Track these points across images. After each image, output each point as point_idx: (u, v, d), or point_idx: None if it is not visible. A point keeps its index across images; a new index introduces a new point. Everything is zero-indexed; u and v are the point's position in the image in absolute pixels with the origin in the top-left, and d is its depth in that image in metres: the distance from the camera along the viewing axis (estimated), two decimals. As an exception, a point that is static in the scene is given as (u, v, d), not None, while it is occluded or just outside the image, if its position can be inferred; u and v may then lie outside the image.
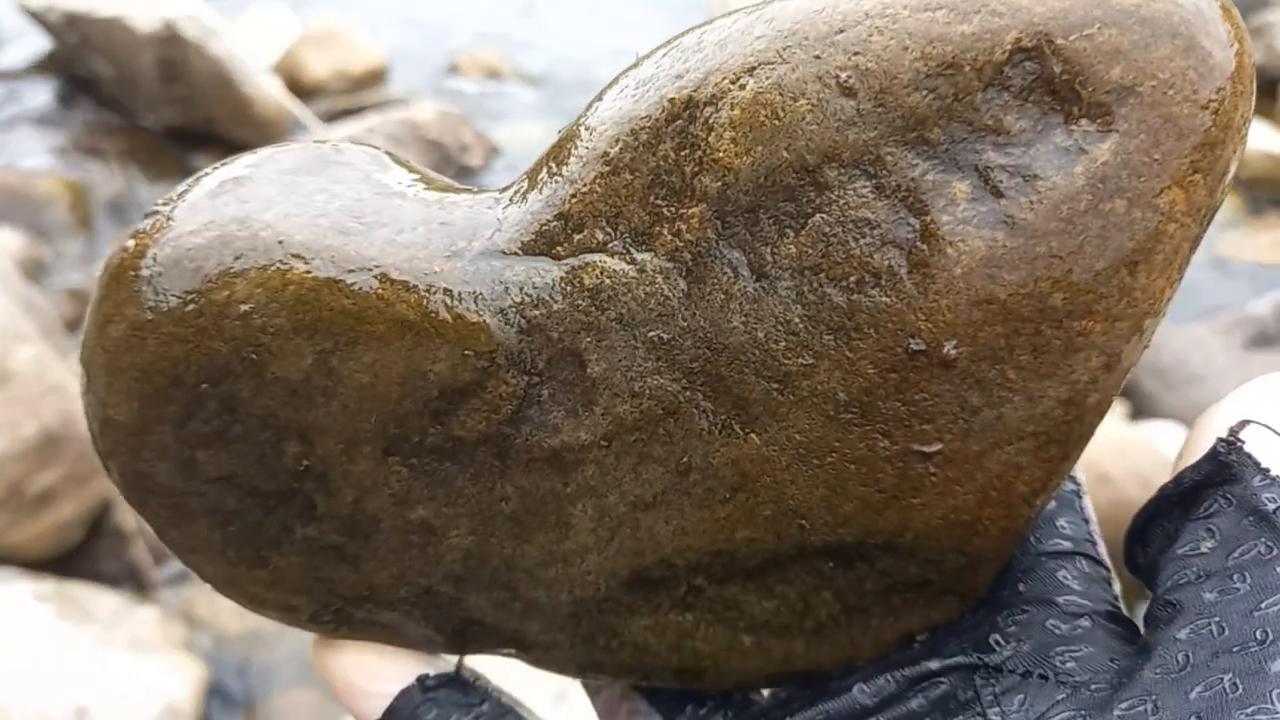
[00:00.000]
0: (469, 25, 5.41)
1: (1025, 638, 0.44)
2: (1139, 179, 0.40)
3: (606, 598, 0.46)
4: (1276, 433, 0.42)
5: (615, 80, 0.46)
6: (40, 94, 4.41)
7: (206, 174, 0.46)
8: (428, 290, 0.44)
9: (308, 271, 0.43)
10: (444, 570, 0.47)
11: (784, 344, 0.42)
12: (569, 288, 0.43)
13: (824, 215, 0.41)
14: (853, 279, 0.41)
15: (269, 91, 4.15)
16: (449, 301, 0.44)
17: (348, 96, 4.64)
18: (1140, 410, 2.99)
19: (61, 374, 2.45)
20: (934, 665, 0.44)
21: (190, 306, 0.43)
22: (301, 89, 4.53)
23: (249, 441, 0.45)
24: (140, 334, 0.44)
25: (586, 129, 0.45)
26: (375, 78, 4.83)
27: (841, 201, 0.41)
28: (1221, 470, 0.42)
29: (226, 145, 4.08)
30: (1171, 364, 3.05)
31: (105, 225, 3.72)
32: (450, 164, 4.22)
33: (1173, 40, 0.39)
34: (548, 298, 0.44)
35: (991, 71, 0.40)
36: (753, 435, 0.43)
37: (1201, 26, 0.40)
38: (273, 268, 0.43)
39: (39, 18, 4.34)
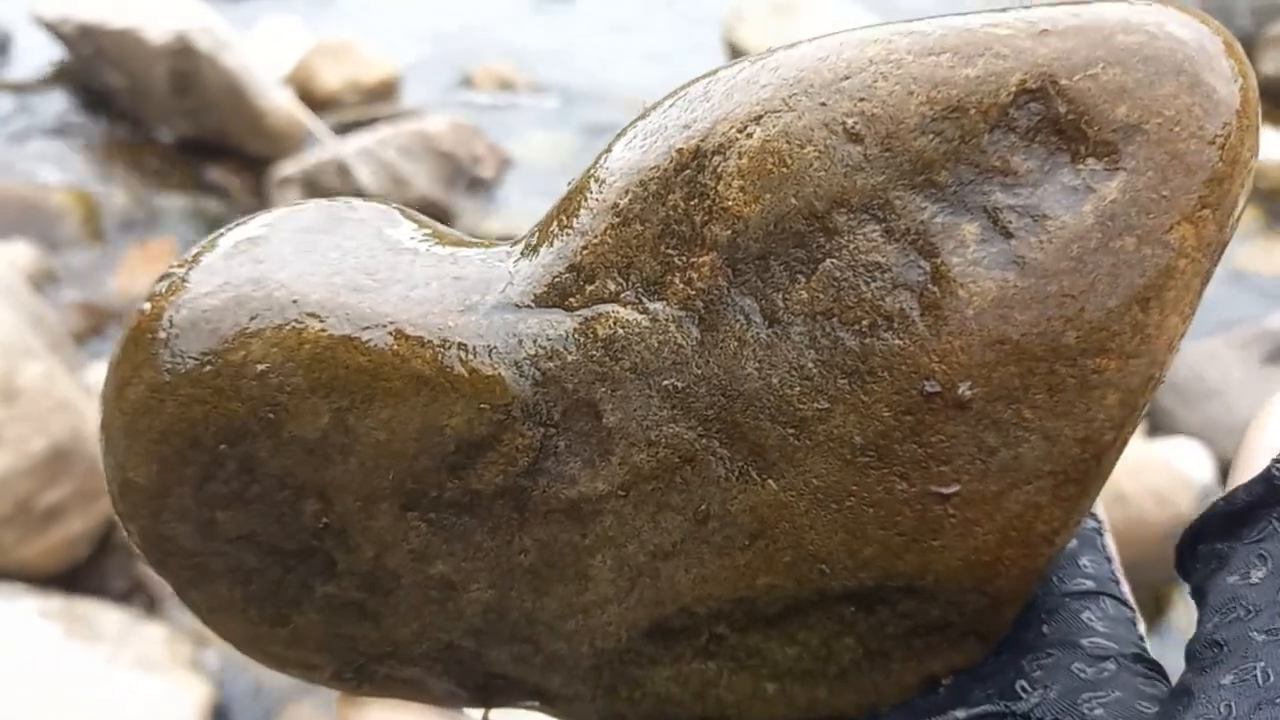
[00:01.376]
0: (482, 37, 5.42)
1: (1051, 683, 0.43)
2: (1148, 216, 0.40)
3: (628, 649, 0.47)
4: None
5: (623, 131, 0.46)
6: (53, 106, 4.43)
7: (222, 234, 0.47)
8: (442, 345, 0.44)
9: (323, 330, 0.44)
10: (465, 625, 0.47)
11: (798, 389, 0.42)
12: (583, 339, 0.44)
13: (834, 260, 0.41)
14: (865, 323, 0.42)
15: (281, 103, 4.15)
16: (464, 356, 0.44)
17: (360, 108, 4.65)
18: (1157, 427, 2.96)
19: (70, 389, 2.45)
20: (960, 715, 0.44)
21: (207, 368, 0.43)
22: (314, 101, 4.53)
23: (268, 501, 0.45)
24: (158, 396, 0.44)
25: (596, 180, 0.45)
26: (388, 89, 4.83)
27: (851, 246, 0.41)
28: (1275, 493, 0.42)
29: (239, 157, 4.09)
30: (1189, 379, 3.02)
31: (117, 238, 3.73)
32: (462, 176, 4.22)
33: (1177, 77, 0.40)
34: (562, 349, 0.44)
35: (997, 114, 0.41)
36: (770, 481, 0.43)
37: (1205, 63, 0.40)
38: (288, 327, 0.44)
39: (53, 29, 4.36)
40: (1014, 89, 0.40)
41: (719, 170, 0.42)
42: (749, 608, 0.45)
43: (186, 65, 4.01)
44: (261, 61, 4.36)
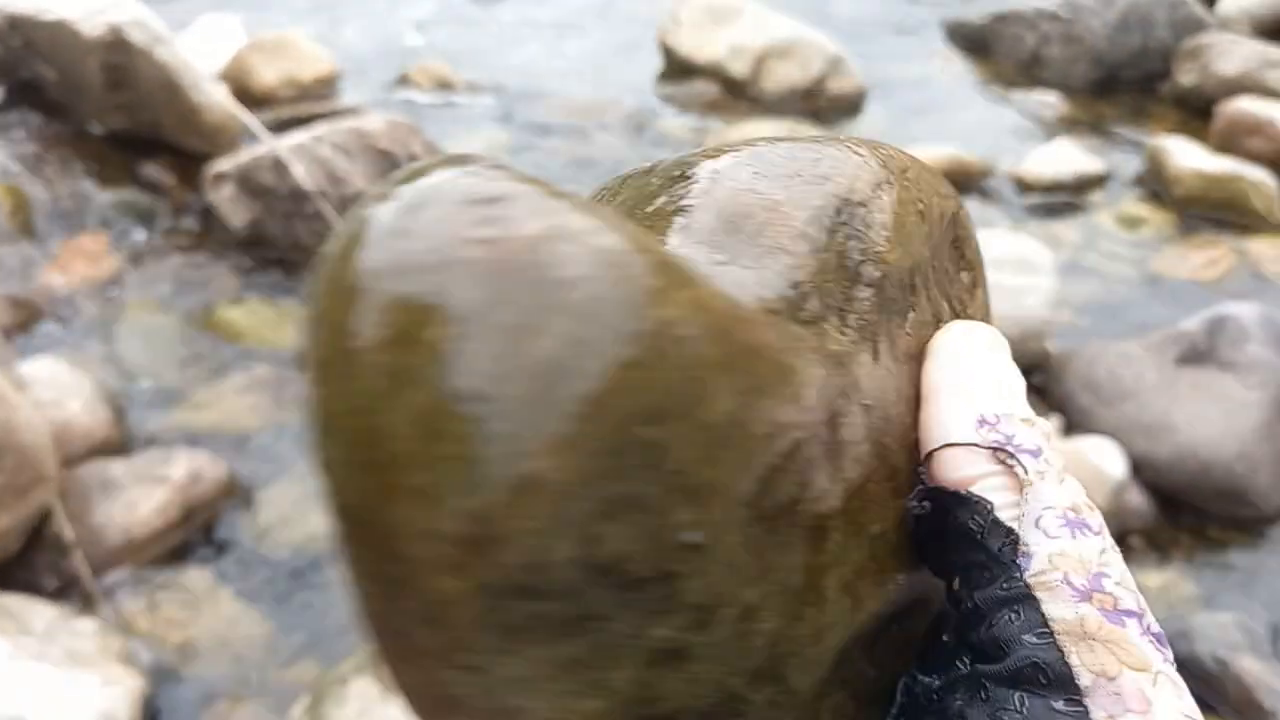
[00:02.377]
0: (420, 36, 5.42)
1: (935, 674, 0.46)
2: (990, 309, 0.57)
3: (827, 678, 0.43)
4: None
5: (717, 157, 0.46)
6: (-18, 98, 4.36)
7: (461, 174, 0.34)
8: (809, 332, 0.41)
9: (718, 297, 0.37)
10: (749, 664, 0.39)
11: (910, 419, 0.47)
12: (822, 353, 0.43)
13: (914, 314, 0.49)
14: None
15: (217, 99, 4.12)
16: (817, 345, 0.42)
17: (297, 105, 4.63)
18: (1074, 425, 3.05)
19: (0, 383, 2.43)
20: None
21: (638, 325, 0.33)
22: (250, 97, 4.51)
23: (649, 508, 0.34)
24: (580, 354, 0.33)
25: (762, 204, 0.44)
26: (325, 86, 4.82)
27: (919, 304, 0.49)
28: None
29: (173, 152, 4.06)
30: (1105, 379, 3.12)
31: (47, 232, 3.68)
32: (399, 174, 4.21)
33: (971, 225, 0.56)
34: (818, 359, 0.43)
35: (946, 227, 0.53)
36: (898, 499, 0.46)
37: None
38: (688, 289, 0.35)
39: (-18, 21, 4.29)
40: (951, 212, 0.53)
41: (867, 220, 0.47)
42: (877, 624, 0.45)
43: (120, 59, 3.97)
44: (197, 57, 4.33)
